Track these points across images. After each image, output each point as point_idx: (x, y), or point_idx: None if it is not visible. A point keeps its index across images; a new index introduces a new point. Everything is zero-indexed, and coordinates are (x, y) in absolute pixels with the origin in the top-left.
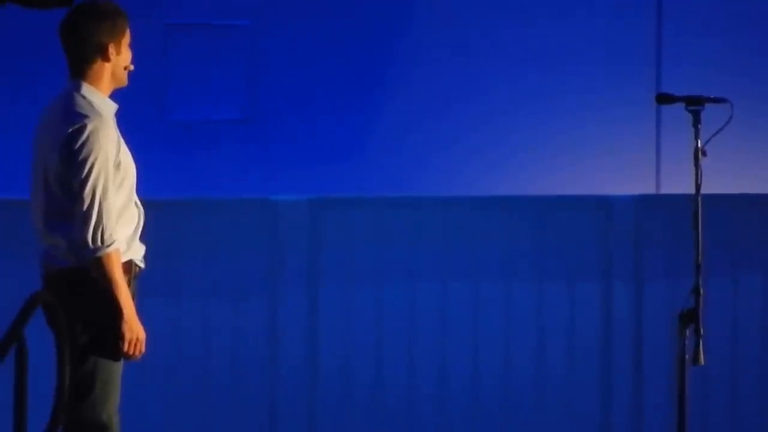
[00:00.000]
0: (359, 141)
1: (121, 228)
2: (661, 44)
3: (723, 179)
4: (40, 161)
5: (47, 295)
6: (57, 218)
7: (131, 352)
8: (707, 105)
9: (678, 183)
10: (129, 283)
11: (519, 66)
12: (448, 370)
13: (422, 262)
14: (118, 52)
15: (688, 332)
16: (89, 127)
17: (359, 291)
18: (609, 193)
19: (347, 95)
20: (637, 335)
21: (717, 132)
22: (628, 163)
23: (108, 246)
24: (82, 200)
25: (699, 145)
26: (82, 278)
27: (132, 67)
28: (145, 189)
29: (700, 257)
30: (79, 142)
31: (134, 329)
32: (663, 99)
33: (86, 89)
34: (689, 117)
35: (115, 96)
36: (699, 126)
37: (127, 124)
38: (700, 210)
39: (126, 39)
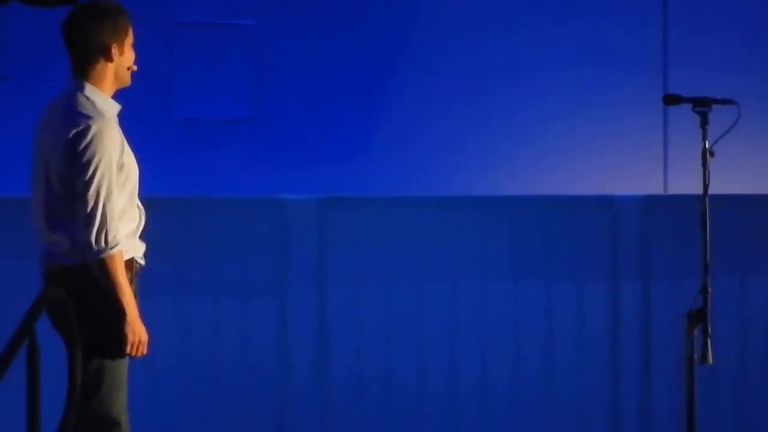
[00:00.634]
0: (364, 140)
1: (122, 227)
2: (667, 45)
3: (730, 180)
4: (41, 159)
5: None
6: (59, 217)
7: (133, 354)
8: (714, 106)
9: (685, 184)
10: (131, 281)
11: (527, 67)
12: (457, 368)
13: (430, 261)
14: (121, 53)
15: (695, 332)
16: (93, 129)
17: (368, 290)
18: (617, 193)
19: (353, 94)
20: (645, 334)
21: (724, 133)
22: (635, 164)
23: (111, 248)
24: (85, 202)
25: (706, 146)
26: (83, 276)
27: (135, 68)
28: (150, 187)
29: (707, 257)
30: (83, 144)
31: (137, 331)
32: (670, 100)
33: (89, 89)
34: (696, 118)
35: (121, 95)
36: (706, 127)
37: (133, 122)
38: (707, 210)
39: (129, 39)
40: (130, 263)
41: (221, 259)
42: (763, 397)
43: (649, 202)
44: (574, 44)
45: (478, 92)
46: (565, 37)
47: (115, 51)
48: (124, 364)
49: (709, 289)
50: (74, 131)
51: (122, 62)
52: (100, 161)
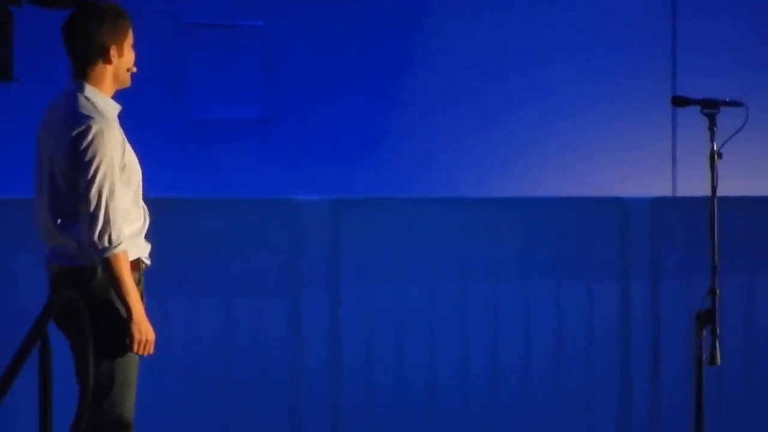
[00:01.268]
0: (376, 140)
1: (127, 226)
2: (676, 47)
3: (738, 181)
4: (45, 160)
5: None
6: (68, 218)
7: (140, 353)
8: (722, 108)
9: (694, 185)
10: (138, 282)
11: (539, 70)
12: (468, 367)
13: (442, 261)
14: (120, 54)
15: (704, 333)
16: (94, 129)
17: (380, 290)
18: (626, 195)
19: (364, 95)
20: (654, 334)
21: (733, 135)
22: (644, 166)
23: (115, 246)
24: (88, 201)
25: (715, 147)
26: (89, 277)
27: (135, 69)
28: (162, 187)
29: (716, 258)
30: (84, 144)
31: (143, 330)
32: (678, 102)
33: (89, 90)
34: (705, 120)
35: (132, 96)
36: (714, 129)
37: (145, 123)
38: (716, 212)
39: (129, 40)
40: (136, 263)
41: (234, 260)
42: None
43: (659, 203)
44: (583, 48)
45: (489, 93)
46: (575, 41)
47: (113, 53)
48: (134, 365)
49: (718, 290)
50: (76, 132)
51: (121, 64)
52: (101, 161)
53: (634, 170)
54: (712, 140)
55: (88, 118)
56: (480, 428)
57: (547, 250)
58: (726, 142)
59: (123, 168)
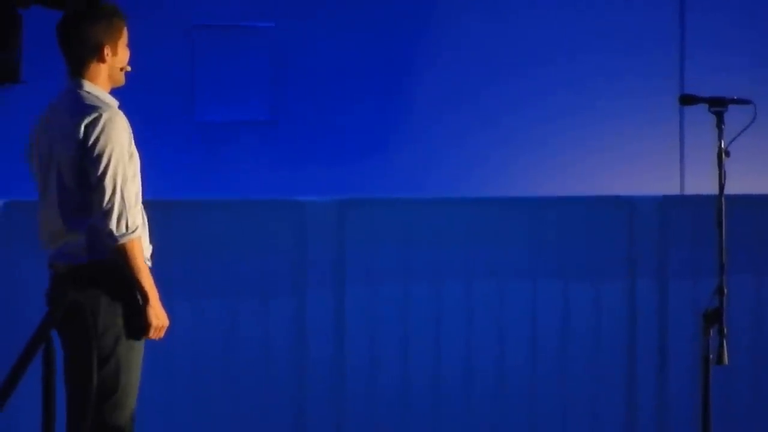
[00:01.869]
0: (382, 141)
1: (138, 215)
2: (684, 44)
3: (747, 180)
4: (46, 161)
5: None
6: (77, 214)
7: (154, 338)
8: (730, 106)
9: (701, 183)
10: None
11: (545, 67)
12: (473, 367)
13: (447, 261)
14: (114, 53)
15: (712, 332)
16: (104, 117)
17: (386, 290)
18: (633, 193)
19: (371, 96)
20: (662, 333)
21: (740, 133)
22: (652, 164)
23: (132, 232)
24: (102, 190)
25: (722, 146)
26: (94, 270)
27: (129, 68)
28: (171, 189)
29: (723, 257)
30: (96, 134)
31: (159, 315)
32: (686, 100)
33: (88, 86)
34: (712, 118)
35: (141, 97)
36: (722, 127)
37: (154, 125)
38: (723, 210)
39: (123, 40)
40: None
41: (240, 261)
42: None
43: (667, 202)
44: (591, 46)
45: (495, 92)
46: (583, 38)
47: (107, 51)
48: (138, 368)
49: (725, 290)
50: (85, 122)
51: (115, 63)
52: (113, 149)
53: (642, 169)
54: (719, 138)
55: (96, 108)
56: (485, 428)
57: (554, 249)
58: (734, 140)
59: (131, 156)
